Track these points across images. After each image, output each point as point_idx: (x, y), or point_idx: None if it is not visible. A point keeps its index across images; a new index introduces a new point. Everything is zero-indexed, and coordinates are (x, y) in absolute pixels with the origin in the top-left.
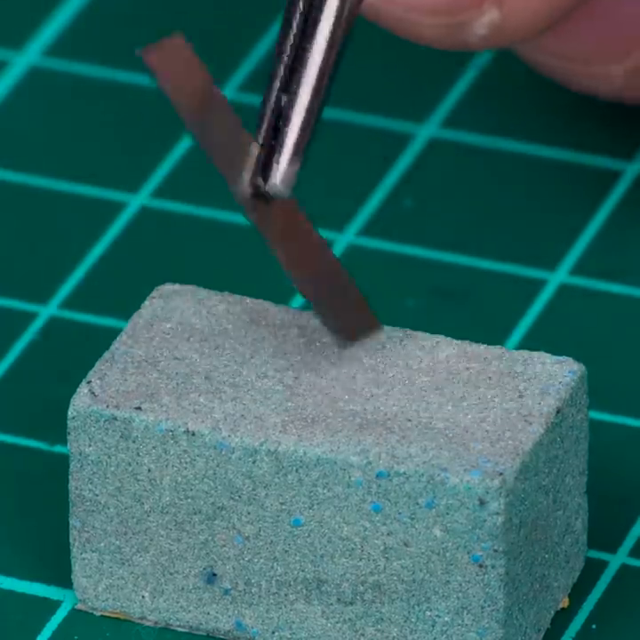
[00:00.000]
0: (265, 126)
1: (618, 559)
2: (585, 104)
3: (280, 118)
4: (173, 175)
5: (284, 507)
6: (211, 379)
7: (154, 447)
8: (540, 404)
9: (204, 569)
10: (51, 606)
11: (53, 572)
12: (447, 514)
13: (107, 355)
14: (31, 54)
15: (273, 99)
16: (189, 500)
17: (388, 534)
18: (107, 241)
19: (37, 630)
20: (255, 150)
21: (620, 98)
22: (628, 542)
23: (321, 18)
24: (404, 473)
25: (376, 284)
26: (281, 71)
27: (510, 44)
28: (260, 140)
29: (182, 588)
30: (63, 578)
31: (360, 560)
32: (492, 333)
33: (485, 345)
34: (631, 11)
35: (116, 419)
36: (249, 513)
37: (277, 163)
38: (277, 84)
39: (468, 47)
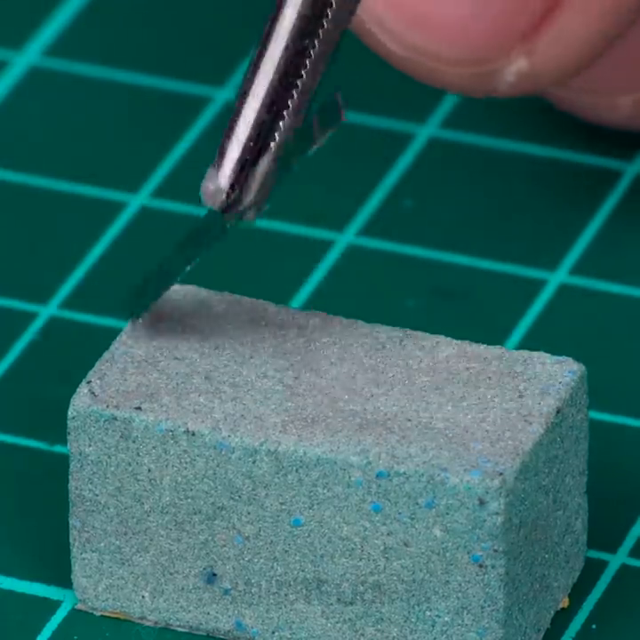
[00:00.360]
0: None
1: (618, 559)
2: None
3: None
4: (173, 175)
5: (283, 507)
6: (211, 379)
7: (154, 447)
8: (539, 403)
9: (204, 569)
10: (51, 606)
11: (53, 572)
12: (447, 514)
13: (107, 355)
14: (31, 54)
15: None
16: (189, 500)
17: (387, 534)
18: (107, 241)
19: (37, 630)
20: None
21: (627, 127)
22: (628, 542)
23: (275, 34)
24: (404, 473)
25: (376, 284)
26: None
27: (540, 90)
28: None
29: (182, 588)
30: (63, 578)
31: (360, 560)
32: (492, 333)
33: (485, 345)
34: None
35: (116, 419)
36: (249, 513)
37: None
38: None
39: (498, 94)
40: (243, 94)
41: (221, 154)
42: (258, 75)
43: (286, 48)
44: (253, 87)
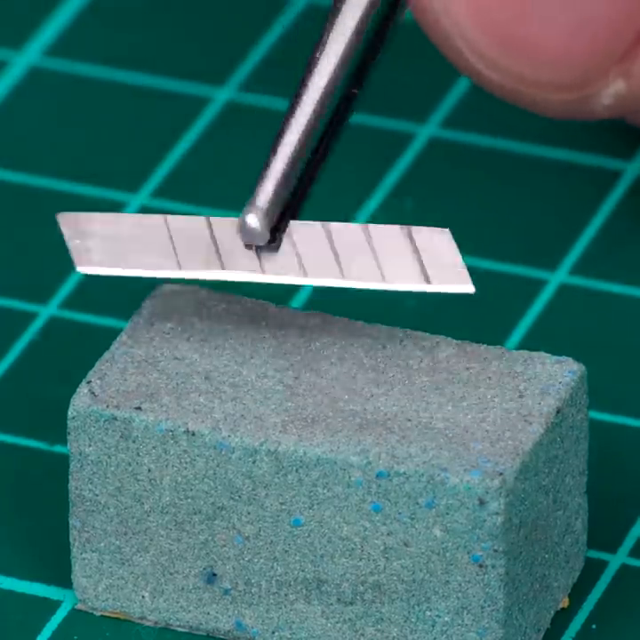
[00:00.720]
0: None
1: (618, 559)
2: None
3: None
4: (173, 175)
5: (283, 507)
6: (211, 379)
7: (154, 447)
8: (540, 404)
9: (204, 569)
10: (51, 606)
11: (53, 572)
12: (447, 514)
13: (107, 355)
14: (31, 54)
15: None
16: (189, 500)
17: (387, 534)
18: None
19: (37, 630)
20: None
21: None
22: (628, 542)
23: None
24: (404, 473)
25: None
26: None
27: (636, 112)
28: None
29: (182, 588)
30: (63, 578)
31: (360, 560)
32: (492, 333)
33: (485, 345)
34: None
35: (116, 419)
36: (249, 513)
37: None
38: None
39: (594, 117)
40: (282, 136)
41: (265, 191)
42: (297, 119)
43: (329, 90)
44: (296, 126)
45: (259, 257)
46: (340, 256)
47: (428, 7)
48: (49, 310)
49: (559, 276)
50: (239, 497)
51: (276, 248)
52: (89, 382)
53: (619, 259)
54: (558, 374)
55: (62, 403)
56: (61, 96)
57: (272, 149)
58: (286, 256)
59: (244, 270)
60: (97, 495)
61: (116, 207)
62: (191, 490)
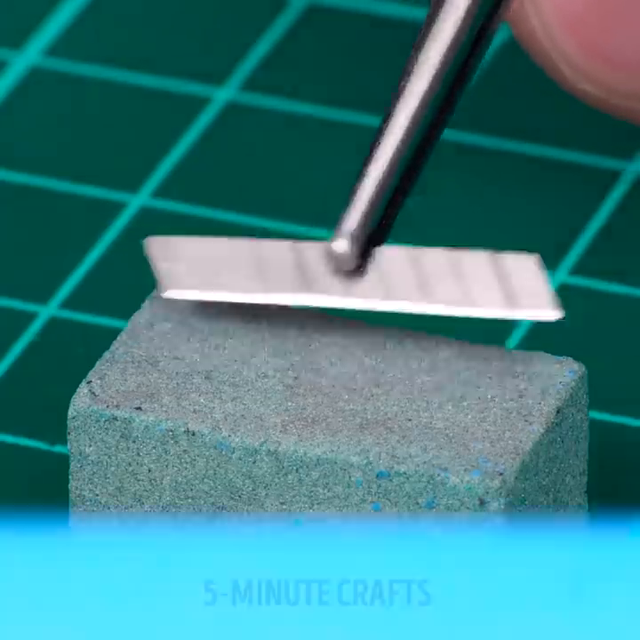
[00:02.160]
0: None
1: None
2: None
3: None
4: (173, 175)
5: (284, 507)
6: (211, 379)
7: (154, 447)
8: (540, 404)
9: None
10: None
11: None
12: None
13: (107, 355)
14: (31, 54)
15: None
16: (189, 500)
17: None
18: (107, 241)
19: None
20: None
21: None
22: None
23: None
24: (405, 473)
25: None
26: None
27: None
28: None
29: None
30: None
31: None
32: (492, 333)
33: (485, 345)
34: None
35: (116, 419)
36: (249, 513)
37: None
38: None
39: None
40: (370, 163)
41: (353, 217)
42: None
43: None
44: (385, 152)
45: (346, 282)
46: (425, 281)
47: (524, 20)
48: (49, 310)
49: (559, 276)
50: (239, 497)
51: (363, 273)
52: (89, 382)
53: (619, 259)
54: (558, 374)
55: (62, 403)
56: (61, 96)
57: (360, 175)
58: (373, 281)
59: (332, 295)
60: (97, 495)
61: (116, 207)
62: (191, 490)
